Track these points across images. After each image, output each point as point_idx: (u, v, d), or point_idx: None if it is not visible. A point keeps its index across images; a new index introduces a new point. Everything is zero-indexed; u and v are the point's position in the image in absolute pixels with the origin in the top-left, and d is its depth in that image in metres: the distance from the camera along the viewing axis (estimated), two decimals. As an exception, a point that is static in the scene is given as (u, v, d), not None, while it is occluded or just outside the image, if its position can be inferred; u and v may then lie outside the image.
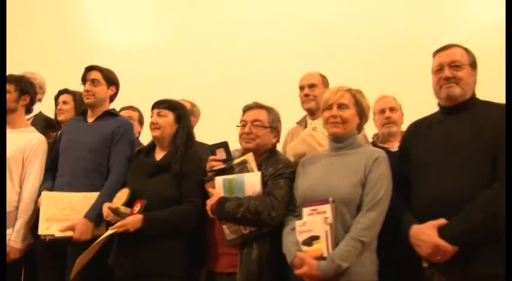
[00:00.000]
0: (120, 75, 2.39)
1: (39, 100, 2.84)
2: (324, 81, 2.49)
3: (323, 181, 1.76)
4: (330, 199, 1.67)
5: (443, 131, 1.75)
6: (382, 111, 2.42)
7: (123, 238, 1.96)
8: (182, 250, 1.97)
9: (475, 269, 1.56)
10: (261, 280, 1.80)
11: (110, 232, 1.90)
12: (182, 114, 2.16)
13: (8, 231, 2.14)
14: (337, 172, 1.76)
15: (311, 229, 1.68)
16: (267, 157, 2.00)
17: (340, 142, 1.82)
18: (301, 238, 1.70)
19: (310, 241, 1.68)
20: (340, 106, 1.81)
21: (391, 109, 2.42)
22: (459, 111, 1.74)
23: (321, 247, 1.64)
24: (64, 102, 2.62)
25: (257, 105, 2.06)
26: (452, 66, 1.74)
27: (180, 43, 4.37)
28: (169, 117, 2.12)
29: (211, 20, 4.31)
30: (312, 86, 2.44)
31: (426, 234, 1.58)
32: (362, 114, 1.85)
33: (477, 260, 1.55)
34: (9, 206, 2.16)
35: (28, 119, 2.60)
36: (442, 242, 1.55)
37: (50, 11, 4.70)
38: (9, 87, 2.29)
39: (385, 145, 2.33)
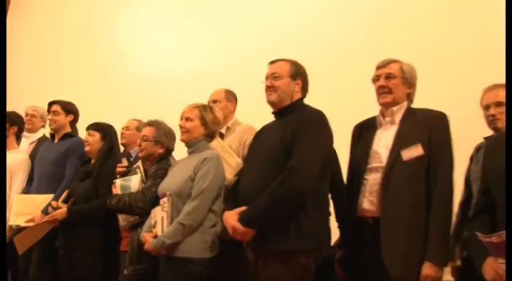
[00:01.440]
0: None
1: (43, 126, 3.71)
2: (228, 95, 2.91)
3: (171, 179, 2.30)
4: (167, 193, 2.20)
5: (267, 133, 2.17)
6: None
7: (61, 226, 2.70)
8: (98, 234, 2.64)
9: (268, 245, 1.95)
10: (140, 255, 2.38)
11: (43, 220, 2.64)
12: (107, 133, 2.84)
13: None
14: (179, 171, 2.29)
15: (155, 215, 2.24)
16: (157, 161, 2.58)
17: (189, 147, 2.34)
18: (152, 222, 2.26)
19: (154, 224, 2.23)
20: (187, 119, 2.33)
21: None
22: (281, 115, 2.13)
23: (157, 229, 2.18)
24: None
25: None
26: (274, 78, 2.08)
27: (211, 68, 4.36)
28: (96, 136, 2.82)
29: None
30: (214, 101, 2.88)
31: (229, 218, 2.00)
32: (206, 126, 2.33)
33: (269, 238, 1.94)
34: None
35: (32, 143, 3.50)
36: (237, 224, 1.96)
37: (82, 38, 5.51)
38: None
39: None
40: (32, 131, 3.54)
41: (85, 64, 5.38)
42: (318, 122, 2.00)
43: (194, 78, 4.37)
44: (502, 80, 1.84)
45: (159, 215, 2.20)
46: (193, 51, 4.64)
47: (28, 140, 3.55)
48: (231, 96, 2.87)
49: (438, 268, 1.75)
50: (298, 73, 2.13)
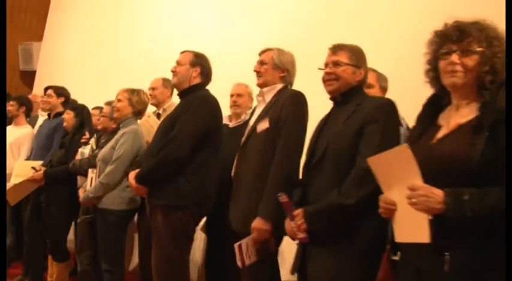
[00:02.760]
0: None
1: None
2: (164, 83, 3.38)
3: (103, 148, 2.90)
4: (98, 160, 2.81)
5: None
6: None
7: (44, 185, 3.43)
8: (68, 192, 3.32)
9: (154, 200, 2.44)
10: (88, 208, 3.01)
11: (25, 178, 3.39)
12: (79, 112, 3.51)
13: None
14: (108, 143, 2.88)
15: (89, 176, 2.86)
16: None
17: (120, 123, 2.92)
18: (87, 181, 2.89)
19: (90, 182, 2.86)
20: (118, 100, 2.90)
21: None
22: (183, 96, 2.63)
23: (87, 186, 2.81)
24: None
25: None
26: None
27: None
28: (71, 114, 3.50)
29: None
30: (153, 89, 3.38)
31: (131, 177, 2.49)
32: (132, 106, 2.89)
33: (154, 195, 2.43)
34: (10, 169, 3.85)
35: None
36: (133, 181, 2.42)
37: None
38: (12, 103, 4.00)
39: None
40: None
41: (129, 48, 5.76)
42: (198, 104, 2.46)
43: (232, 60, 4.33)
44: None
45: (89, 176, 2.83)
46: (232, 33, 4.73)
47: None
48: (167, 84, 3.37)
49: (265, 221, 2.10)
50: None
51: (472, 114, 1.29)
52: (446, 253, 1.20)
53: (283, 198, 1.74)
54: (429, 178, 1.24)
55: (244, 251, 2.11)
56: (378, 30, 3.47)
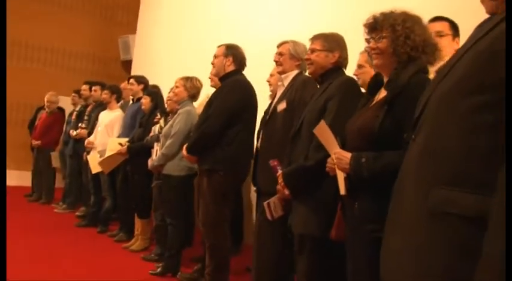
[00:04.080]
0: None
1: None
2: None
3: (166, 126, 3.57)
4: (161, 136, 3.48)
5: None
6: None
7: (129, 158, 4.25)
8: (146, 161, 4.08)
9: (200, 166, 3.09)
10: (158, 174, 3.74)
11: (114, 152, 4.21)
12: (154, 96, 4.22)
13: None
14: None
15: (154, 148, 3.55)
16: None
17: (178, 105, 3.55)
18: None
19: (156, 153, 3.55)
20: (176, 87, 3.53)
21: None
22: None
23: (153, 156, 3.50)
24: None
25: None
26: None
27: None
28: (147, 99, 4.24)
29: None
30: None
31: (183, 149, 3.19)
32: (187, 91, 3.49)
33: (200, 161, 3.08)
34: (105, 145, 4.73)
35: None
36: (185, 152, 3.13)
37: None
38: (106, 91, 4.89)
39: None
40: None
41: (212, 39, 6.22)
42: (230, 87, 2.98)
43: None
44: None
45: (154, 148, 3.52)
46: (298, 15, 5.00)
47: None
48: None
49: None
50: None
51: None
52: (356, 203, 1.59)
53: (272, 162, 2.21)
54: (351, 142, 1.63)
55: (272, 207, 2.59)
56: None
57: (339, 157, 1.61)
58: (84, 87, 5.87)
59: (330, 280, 2.00)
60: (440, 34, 2.17)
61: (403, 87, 1.53)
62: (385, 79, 1.70)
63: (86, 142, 5.01)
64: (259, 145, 2.84)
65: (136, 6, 8.22)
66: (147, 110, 4.23)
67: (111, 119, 4.85)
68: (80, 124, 5.53)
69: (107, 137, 4.75)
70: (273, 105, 2.81)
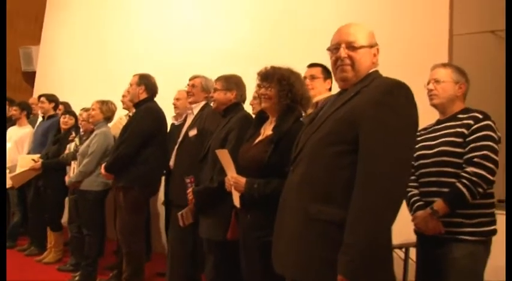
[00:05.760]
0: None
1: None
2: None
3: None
4: (78, 154, 3.79)
5: None
6: None
7: (41, 173, 4.43)
8: (62, 178, 4.31)
9: (116, 183, 3.47)
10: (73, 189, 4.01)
11: (27, 168, 4.38)
12: (75, 117, 4.47)
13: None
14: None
15: (72, 165, 3.84)
16: None
17: (94, 126, 3.88)
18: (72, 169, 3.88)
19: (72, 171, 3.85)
20: (92, 109, 3.86)
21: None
22: None
23: (70, 173, 3.80)
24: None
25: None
26: None
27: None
28: (72, 119, 4.47)
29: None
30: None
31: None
32: (103, 113, 3.85)
33: (116, 179, 3.46)
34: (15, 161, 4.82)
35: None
36: (102, 170, 3.48)
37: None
38: (16, 108, 4.99)
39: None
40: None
41: (119, 50, 6.51)
42: (143, 113, 3.40)
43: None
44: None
45: (72, 166, 3.82)
46: (221, 30, 5.39)
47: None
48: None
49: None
50: None
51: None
52: (248, 215, 2.15)
53: (187, 179, 2.71)
54: (244, 169, 2.18)
55: (184, 216, 3.02)
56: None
57: (235, 181, 2.16)
58: (-12, 102, 5.82)
59: (231, 276, 2.53)
60: (313, 77, 2.84)
61: (285, 133, 2.11)
62: (270, 118, 2.27)
63: (-7, 157, 5.04)
64: (172, 164, 3.31)
65: (39, 15, 8.15)
66: (66, 128, 4.45)
67: (20, 135, 4.96)
68: (-17, 139, 5.49)
69: (16, 153, 4.86)
70: (184, 130, 3.28)
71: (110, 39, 6.76)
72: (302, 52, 3.77)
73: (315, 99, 2.53)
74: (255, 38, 4.99)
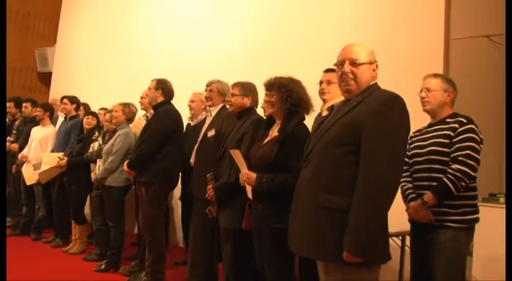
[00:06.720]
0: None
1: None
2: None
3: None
4: (103, 153, 4.12)
5: None
6: None
7: (66, 170, 4.76)
8: (86, 174, 4.63)
9: (138, 178, 3.79)
10: (98, 185, 4.34)
11: (53, 165, 4.72)
12: (97, 118, 4.80)
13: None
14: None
15: (97, 163, 4.17)
16: None
17: (116, 127, 4.21)
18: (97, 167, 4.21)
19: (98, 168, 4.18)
20: (115, 111, 4.18)
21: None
22: None
23: (96, 170, 4.13)
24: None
25: None
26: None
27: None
28: (94, 120, 4.79)
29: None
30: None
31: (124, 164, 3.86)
32: (125, 114, 4.17)
33: (138, 175, 3.78)
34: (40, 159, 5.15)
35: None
36: (125, 167, 3.80)
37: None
38: (39, 109, 5.32)
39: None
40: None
41: (131, 50, 6.82)
42: (161, 115, 3.72)
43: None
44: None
45: (97, 164, 4.15)
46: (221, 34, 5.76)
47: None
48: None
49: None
50: None
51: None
52: (259, 205, 2.47)
53: (209, 175, 3.02)
54: (255, 166, 2.51)
55: (212, 210, 3.22)
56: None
57: (247, 176, 2.49)
58: (10, 105, 6.14)
59: (246, 261, 2.85)
60: (330, 82, 3.08)
61: (289, 134, 2.45)
62: (277, 121, 2.60)
63: (19, 155, 5.39)
64: (192, 161, 3.64)
65: (55, 17, 8.46)
66: (89, 128, 4.78)
67: (44, 134, 5.29)
68: (8, 138, 5.83)
69: (41, 152, 5.19)
70: (203, 131, 3.59)
71: (124, 40, 7.07)
72: (304, 53, 4.09)
73: (330, 103, 2.79)
74: (259, 40, 5.29)
